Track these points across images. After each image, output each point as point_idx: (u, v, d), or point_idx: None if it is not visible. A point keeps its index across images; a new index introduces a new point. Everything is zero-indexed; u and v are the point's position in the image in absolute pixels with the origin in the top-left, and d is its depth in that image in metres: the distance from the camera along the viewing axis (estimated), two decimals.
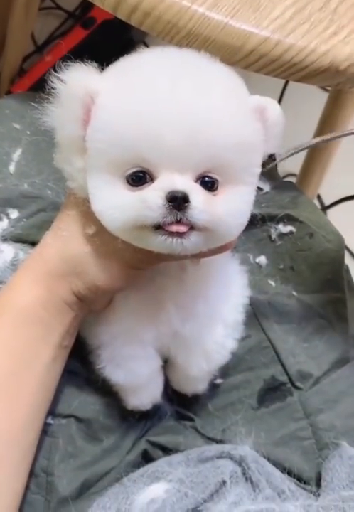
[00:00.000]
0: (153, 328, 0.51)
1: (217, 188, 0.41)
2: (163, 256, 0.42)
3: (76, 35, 1.15)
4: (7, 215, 0.57)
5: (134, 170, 0.40)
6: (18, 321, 0.46)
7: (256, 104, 0.42)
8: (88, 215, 0.43)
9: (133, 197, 0.40)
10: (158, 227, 0.39)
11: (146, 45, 1.25)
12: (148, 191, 0.39)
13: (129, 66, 0.42)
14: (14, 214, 0.57)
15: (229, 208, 0.41)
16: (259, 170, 0.43)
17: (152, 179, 0.40)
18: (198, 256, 0.44)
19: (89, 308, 0.49)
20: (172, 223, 0.39)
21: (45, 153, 0.63)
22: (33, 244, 0.57)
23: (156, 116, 0.38)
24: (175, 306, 0.50)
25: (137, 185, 0.40)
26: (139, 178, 0.40)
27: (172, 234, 0.39)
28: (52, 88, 0.40)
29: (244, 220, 0.43)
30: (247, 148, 0.41)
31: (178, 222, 0.39)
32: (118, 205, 0.40)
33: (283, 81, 1.22)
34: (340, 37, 0.52)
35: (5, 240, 0.56)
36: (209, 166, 0.40)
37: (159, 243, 0.40)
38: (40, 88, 1.14)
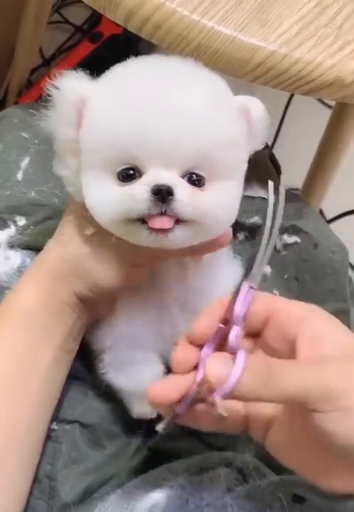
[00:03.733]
0: (156, 331, 0.52)
1: (203, 184, 0.42)
2: (160, 252, 0.44)
3: (83, 49, 1.17)
4: (14, 222, 0.58)
5: (124, 167, 0.42)
6: (20, 323, 0.46)
7: (240, 103, 0.44)
8: (86, 218, 0.45)
9: (122, 191, 0.42)
10: (145, 222, 0.41)
11: None
12: (134, 186, 0.41)
13: (118, 71, 0.44)
14: (22, 221, 0.58)
15: (215, 201, 0.42)
16: (245, 165, 0.45)
17: (141, 175, 0.42)
18: (193, 252, 0.45)
19: (93, 312, 0.50)
20: (156, 216, 0.41)
21: (52, 162, 0.64)
22: (40, 251, 0.57)
23: (141, 115, 0.40)
24: (179, 306, 0.51)
25: (127, 181, 0.42)
26: (129, 175, 0.42)
27: (157, 230, 0.41)
28: (47, 95, 0.43)
29: (232, 214, 0.44)
30: (232, 145, 0.43)
31: (163, 214, 0.41)
32: (108, 199, 0.42)
33: (287, 96, 1.24)
34: (345, 52, 0.53)
35: (12, 246, 0.57)
36: (195, 162, 0.42)
37: (146, 237, 0.42)
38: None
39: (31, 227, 0.58)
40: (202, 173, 0.42)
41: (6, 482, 0.44)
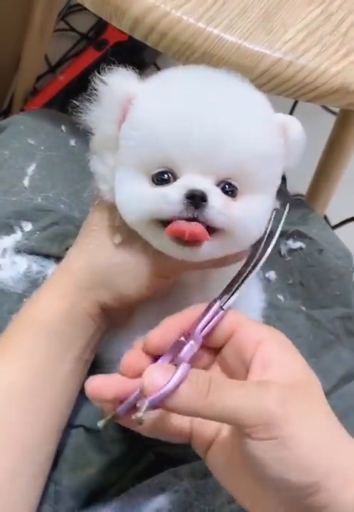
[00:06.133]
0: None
1: (236, 195, 0.43)
2: (189, 264, 0.44)
3: (88, 56, 1.18)
4: (21, 227, 0.58)
5: (160, 170, 0.42)
6: (40, 335, 0.46)
7: (280, 120, 0.44)
8: (114, 228, 0.45)
9: (155, 191, 0.42)
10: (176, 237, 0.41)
11: (157, 66, 1.28)
12: (168, 188, 0.42)
13: (167, 76, 0.45)
14: (28, 227, 0.59)
15: (246, 213, 0.43)
16: (279, 181, 0.45)
17: (175, 180, 0.42)
18: (218, 264, 0.45)
19: (111, 321, 0.49)
20: (185, 222, 0.40)
21: (58, 168, 0.64)
22: (46, 256, 0.58)
23: (185, 121, 0.41)
24: None
25: (160, 185, 0.42)
26: (163, 179, 0.42)
27: (187, 243, 0.41)
28: (93, 88, 0.43)
29: (262, 227, 0.44)
30: (269, 160, 0.43)
31: (194, 219, 0.41)
32: (139, 198, 0.43)
33: (290, 103, 1.24)
34: (350, 59, 0.53)
35: (18, 251, 0.57)
36: (231, 173, 0.42)
37: (171, 246, 0.42)
38: (52, 107, 1.16)
39: (37, 232, 0.58)
40: (235, 184, 0.42)
41: (20, 495, 0.44)
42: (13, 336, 0.46)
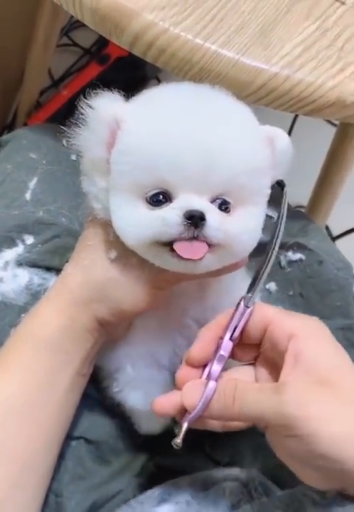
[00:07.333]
0: (171, 351, 0.52)
1: (229, 210, 0.44)
2: (184, 275, 0.45)
3: (91, 70, 1.19)
4: (23, 240, 0.59)
5: (154, 192, 0.42)
6: (40, 349, 0.46)
7: (267, 132, 0.45)
8: (108, 243, 0.46)
9: (153, 215, 0.42)
10: (173, 250, 0.42)
11: (159, 81, 1.29)
12: (166, 210, 0.42)
13: (153, 96, 0.45)
14: (30, 240, 0.59)
15: (241, 227, 0.44)
16: (268, 191, 0.46)
17: (170, 200, 0.42)
18: (215, 274, 0.46)
19: (109, 334, 0.50)
20: (186, 242, 0.41)
21: (60, 182, 0.65)
22: (48, 269, 0.58)
23: (177, 142, 0.41)
24: (198, 325, 0.51)
25: (156, 206, 0.43)
26: (158, 200, 0.42)
27: (186, 260, 0.42)
28: (81, 113, 0.43)
29: (256, 238, 0.45)
30: (259, 173, 0.44)
31: (194, 238, 0.41)
32: (138, 222, 0.43)
33: (292, 116, 1.25)
34: (346, 73, 0.54)
35: (20, 264, 0.58)
36: (224, 189, 0.43)
37: (175, 263, 0.42)
38: (55, 121, 1.17)
39: (39, 245, 0.59)
40: (229, 200, 0.43)
41: (21, 507, 0.44)
42: (13, 350, 0.47)
